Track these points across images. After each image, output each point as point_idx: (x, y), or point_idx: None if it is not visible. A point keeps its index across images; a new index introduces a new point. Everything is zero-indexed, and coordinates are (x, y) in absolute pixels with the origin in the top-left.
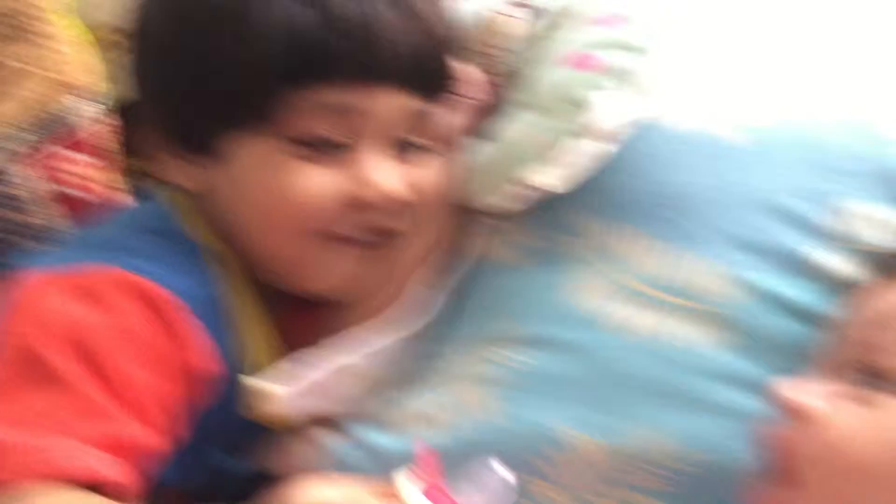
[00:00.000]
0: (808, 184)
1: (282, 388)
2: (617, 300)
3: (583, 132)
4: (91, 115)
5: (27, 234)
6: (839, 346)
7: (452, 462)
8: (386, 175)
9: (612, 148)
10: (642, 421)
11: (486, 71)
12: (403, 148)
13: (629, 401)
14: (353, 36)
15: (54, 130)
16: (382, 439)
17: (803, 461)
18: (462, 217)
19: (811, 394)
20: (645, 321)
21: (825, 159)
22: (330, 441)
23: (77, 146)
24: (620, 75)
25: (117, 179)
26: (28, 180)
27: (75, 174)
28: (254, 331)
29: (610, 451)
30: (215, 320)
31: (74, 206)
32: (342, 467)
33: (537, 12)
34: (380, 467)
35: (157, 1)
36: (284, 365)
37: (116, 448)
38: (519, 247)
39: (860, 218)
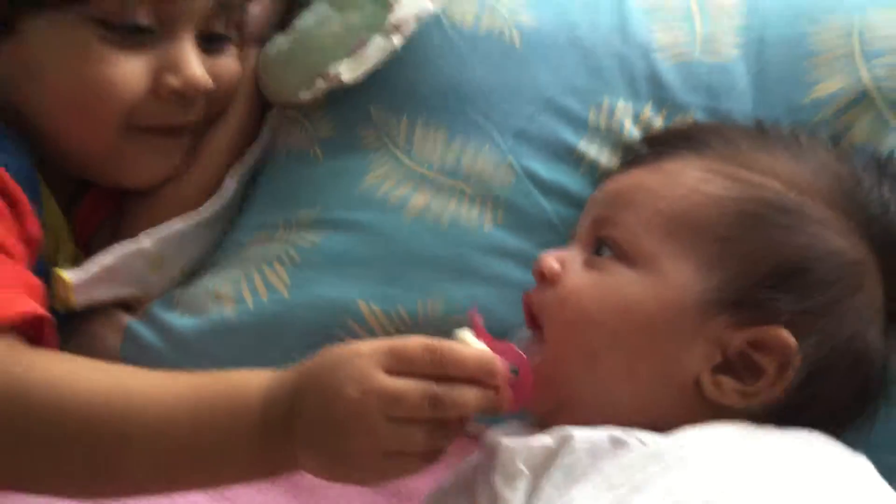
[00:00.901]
0: (577, 82)
1: (74, 275)
2: (401, 184)
3: (384, 28)
4: None
5: None
6: (583, 220)
7: (258, 336)
8: (195, 64)
9: (402, 42)
10: (425, 293)
11: None
12: (208, 38)
13: (413, 275)
14: None
15: None
16: (180, 320)
17: (543, 315)
18: (258, 106)
19: (554, 259)
20: (425, 202)
21: (593, 60)
22: (131, 323)
23: None
24: None
25: None
26: None
27: None
28: (53, 212)
29: (398, 319)
30: (33, 194)
31: None
32: (143, 348)
33: None
34: (177, 347)
35: None
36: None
37: (28, 288)
38: (312, 136)
39: (621, 114)
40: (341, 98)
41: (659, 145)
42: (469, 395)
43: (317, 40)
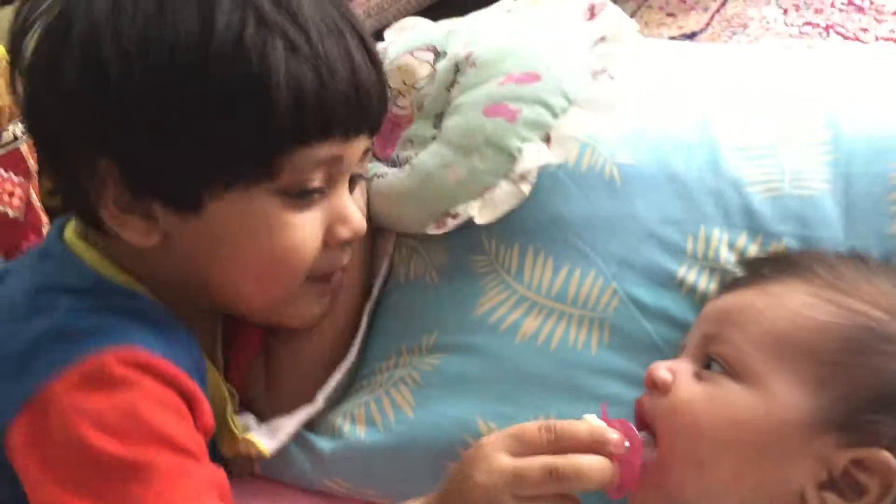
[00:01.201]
0: (674, 214)
1: (269, 444)
2: (512, 309)
3: (510, 176)
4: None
5: None
6: (692, 335)
7: (385, 453)
8: (357, 211)
9: (529, 189)
10: (536, 410)
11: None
12: (351, 182)
13: (524, 394)
14: (347, 96)
15: None
16: (320, 442)
17: (655, 422)
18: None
19: (665, 369)
20: (535, 325)
21: (688, 194)
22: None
23: (4, 163)
24: (539, 127)
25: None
26: None
27: (2, 191)
28: (215, 380)
29: None
30: (202, 376)
31: None
32: (289, 463)
33: (437, 55)
34: (316, 464)
35: (122, 39)
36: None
37: (217, 488)
38: (430, 265)
39: (717, 242)
40: (456, 228)
41: (764, 268)
42: (586, 463)
43: (440, 181)
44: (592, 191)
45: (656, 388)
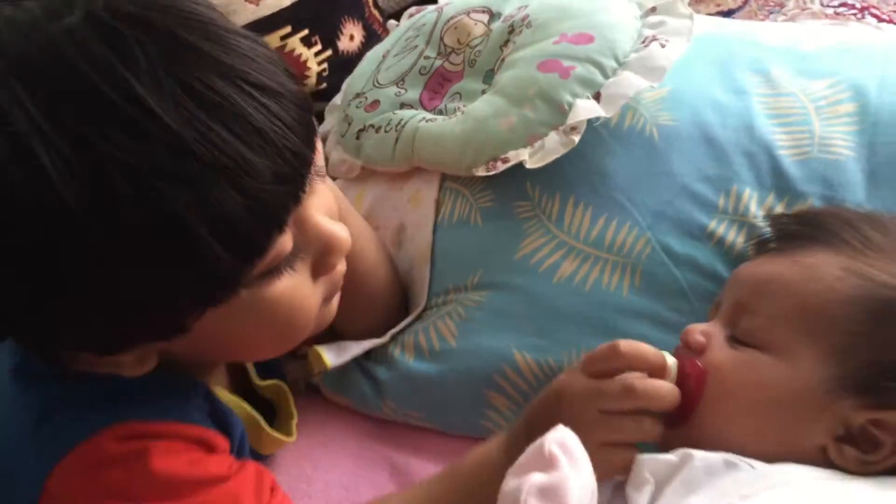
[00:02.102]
0: (709, 172)
1: (333, 358)
2: (552, 252)
3: (560, 127)
4: None
5: None
6: (725, 299)
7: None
8: (336, 233)
9: (577, 139)
10: (568, 345)
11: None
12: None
13: (558, 329)
14: (280, 186)
15: None
16: (378, 370)
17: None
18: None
19: (699, 333)
20: (572, 268)
21: (723, 155)
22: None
23: None
24: (590, 85)
25: None
26: None
27: None
28: (235, 402)
29: (547, 368)
30: (215, 416)
31: None
32: (354, 389)
33: (492, 16)
34: (376, 389)
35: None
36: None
37: (266, 482)
38: (474, 207)
39: (747, 199)
40: (501, 174)
41: (793, 232)
42: (658, 384)
43: (493, 128)
44: (633, 147)
45: (690, 349)
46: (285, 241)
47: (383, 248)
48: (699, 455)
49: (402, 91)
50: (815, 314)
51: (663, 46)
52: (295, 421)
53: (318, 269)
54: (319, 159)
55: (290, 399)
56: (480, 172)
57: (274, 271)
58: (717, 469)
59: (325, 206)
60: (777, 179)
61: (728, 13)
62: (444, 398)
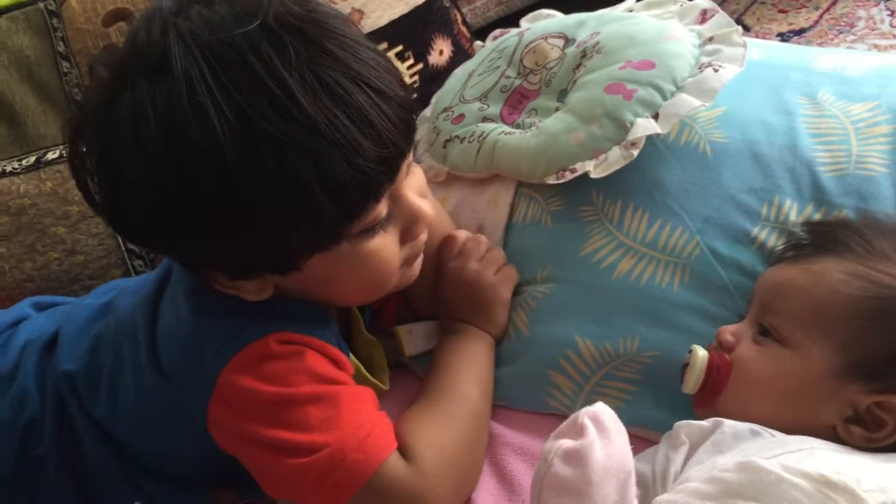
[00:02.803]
0: (755, 185)
1: (411, 349)
2: (612, 252)
3: (622, 143)
4: None
5: None
6: (752, 299)
7: (507, 363)
8: (422, 207)
9: (637, 153)
10: (624, 332)
11: (530, 82)
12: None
13: (615, 318)
14: (379, 157)
15: None
16: None
17: None
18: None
19: (730, 333)
20: (629, 266)
21: (768, 170)
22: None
23: None
24: (650, 106)
25: None
26: None
27: None
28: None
29: (605, 352)
30: (344, 349)
31: None
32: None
33: (567, 41)
34: None
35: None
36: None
37: (375, 401)
38: (545, 211)
39: (787, 209)
40: (569, 182)
41: (808, 243)
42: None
43: (564, 142)
44: (687, 161)
45: (722, 347)
46: (380, 209)
47: (452, 226)
48: (728, 423)
49: (485, 107)
50: (823, 313)
51: (716, 71)
52: (387, 375)
53: (405, 235)
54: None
55: (383, 356)
56: (551, 181)
57: (370, 231)
58: (744, 435)
59: (417, 186)
60: (816, 192)
61: (800, 32)
62: (515, 379)
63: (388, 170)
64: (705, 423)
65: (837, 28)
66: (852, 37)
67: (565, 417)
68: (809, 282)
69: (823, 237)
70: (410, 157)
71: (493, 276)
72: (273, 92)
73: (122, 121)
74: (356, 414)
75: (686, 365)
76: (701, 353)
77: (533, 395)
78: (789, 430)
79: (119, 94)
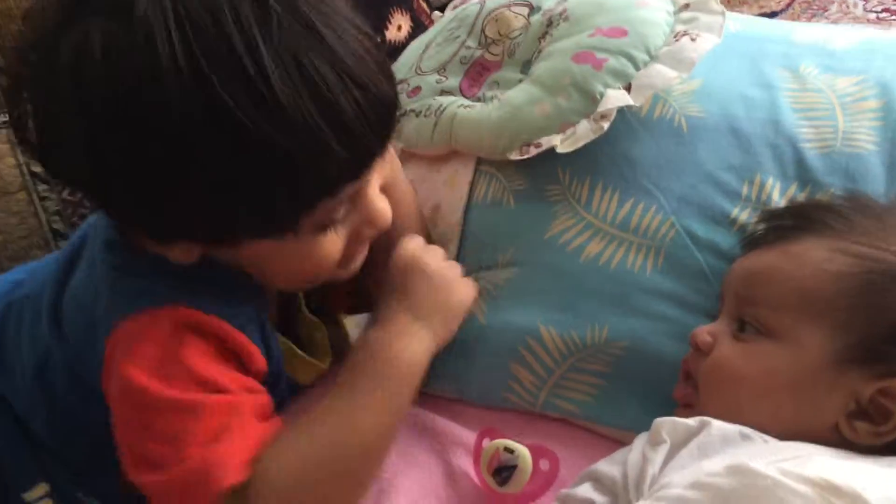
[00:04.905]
0: (734, 162)
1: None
2: (580, 234)
3: (591, 115)
4: None
5: None
6: (726, 293)
7: (460, 354)
8: (381, 210)
9: (607, 125)
10: (591, 319)
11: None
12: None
13: (582, 305)
14: (347, 151)
15: None
16: None
17: (698, 376)
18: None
19: (707, 333)
20: (598, 248)
21: (748, 146)
22: None
23: None
24: (622, 76)
25: None
26: None
27: None
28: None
29: (570, 341)
30: (261, 333)
31: None
32: None
33: (532, 9)
34: None
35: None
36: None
37: (261, 411)
38: (508, 190)
39: (770, 189)
40: (534, 159)
41: (782, 227)
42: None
43: (528, 115)
44: (661, 137)
45: (699, 349)
46: (338, 208)
47: (422, 218)
48: (717, 424)
49: (443, 79)
50: (810, 295)
51: (693, 40)
52: (329, 357)
53: (355, 234)
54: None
55: (325, 335)
56: (514, 156)
57: (321, 228)
58: (733, 439)
59: (385, 173)
60: (800, 170)
61: (771, 15)
62: (471, 372)
63: (355, 171)
64: (691, 421)
65: (811, 11)
66: (826, 20)
67: (526, 413)
68: (791, 264)
69: (798, 217)
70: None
71: (462, 277)
72: (244, 66)
73: (66, 52)
74: (213, 433)
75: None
76: (523, 450)
77: (492, 389)
78: (788, 432)
79: (66, 26)
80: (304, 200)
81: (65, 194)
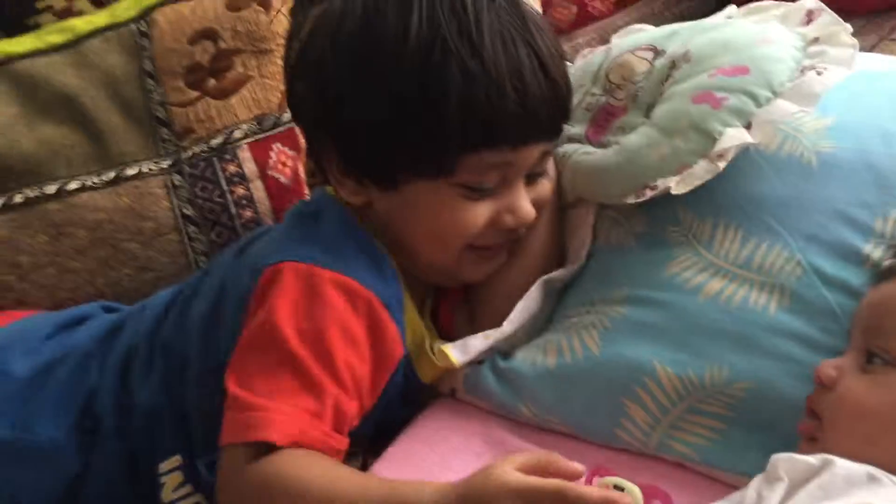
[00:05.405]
0: (867, 198)
1: (459, 356)
2: (700, 273)
3: (708, 155)
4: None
5: (246, 204)
6: (855, 328)
7: (569, 382)
8: (527, 206)
9: (724, 165)
10: (710, 360)
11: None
12: (530, 177)
13: (701, 344)
14: (514, 113)
15: (268, 125)
16: (511, 365)
17: (822, 411)
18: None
19: (831, 368)
20: (719, 287)
21: (884, 181)
22: (480, 367)
23: (283, 139)
24: (742, 115)
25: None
26: (248, 161)
27: (279, 161)
28: (413, 317)
29: (688, 382)
30: (399, 313)
31: (273, 185)
32: (480, 384)
33: (657, 53)
34: (510, 389)
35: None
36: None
37: (333, 414)
38: (630, 233)
39: None
40: (654, 202)
41: None
42: (588, 493)
43: (645, 158)
44: (788, 174)
45: (823, 384)
46: (488, 173)
47: (554, 252)
48: (841, 463)
49: (569, 127)
50: None
51: (819, 74)
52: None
53: (496, 217)
54: (549, 164)
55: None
56: (630, 200)
57: (469, 189)
58: (859, 480)
59: (537, 196)
60: None
61: None
62: (582, 404)
63: (519, 134)
64: (812, 459)
65: None
66: None
67: (638, 455)
68: None
69: None
70: (545, 151)
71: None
72: (466, 16)
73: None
74: (300, 396)
75: None
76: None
77: (601, 424)
78: None
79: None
80: (469, 140)
81: (212, 235)
